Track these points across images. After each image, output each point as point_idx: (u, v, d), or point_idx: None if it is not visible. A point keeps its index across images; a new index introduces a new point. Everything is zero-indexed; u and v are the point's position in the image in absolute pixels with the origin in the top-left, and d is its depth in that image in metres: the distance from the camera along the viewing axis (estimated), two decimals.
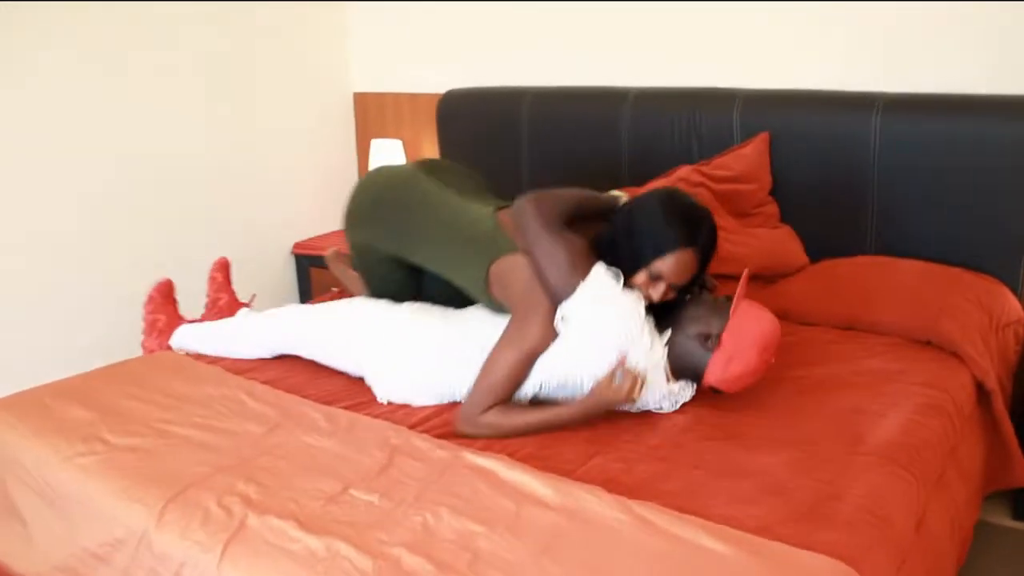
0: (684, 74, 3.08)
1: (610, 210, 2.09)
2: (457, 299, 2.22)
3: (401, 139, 3.78)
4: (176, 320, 2.51)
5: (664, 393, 1.94)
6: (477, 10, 3.53)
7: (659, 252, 1.92)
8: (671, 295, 1.98)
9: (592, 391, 1.86)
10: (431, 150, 3.73)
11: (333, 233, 3.91)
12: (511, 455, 1.75)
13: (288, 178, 3.77)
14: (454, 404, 2.02)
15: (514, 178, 3.36)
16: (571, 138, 3.19)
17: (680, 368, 1.96)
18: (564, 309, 1.89)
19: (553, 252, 1.92)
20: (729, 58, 3.01)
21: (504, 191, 3.32)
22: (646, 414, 1.95)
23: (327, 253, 2.90)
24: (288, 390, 2.10)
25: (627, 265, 1.94)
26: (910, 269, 2.48)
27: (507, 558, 1.40)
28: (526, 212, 2.00)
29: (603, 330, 1.87)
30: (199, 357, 2.35)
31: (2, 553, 1.89)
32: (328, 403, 2.03)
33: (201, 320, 2.56)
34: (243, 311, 2.58)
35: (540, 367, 1.92)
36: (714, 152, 2.87)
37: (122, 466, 1.74)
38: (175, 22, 3.22)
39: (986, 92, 2.55)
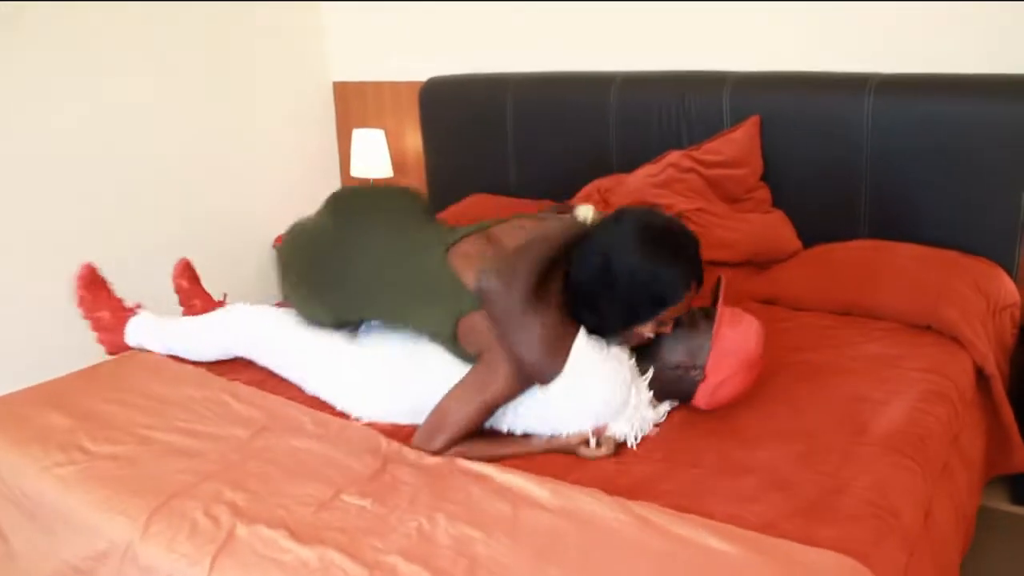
0: (672, 57, 3.03)
1: (581, 237, 1.83)
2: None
3: (383, 128, 3.71)
4: (119, 309, 2.35)
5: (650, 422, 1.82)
6: None
7: (663, 304, 1.74)
8: (667, 328, 1.83)
9: (566, 440, 1.75)
10: (414, 139, 3.67)
11: None
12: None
13: (268, 170, 3.71)
14: None
15: (500, 166, 3.31)
16: (557, 125, 3.14)
17: (664, 394, 1.85)
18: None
19: (530, 341, 1.70)
20: (718, 40, 2.96)
21: (490, 180, 3.32)
22: None
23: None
24: (274, 392, 2.04)
25: (621, 322, 1.77)
26: (906, 253, 2.44)
27: (506, 563, 1.36)
28: (494, 299, 1.73)
29: (585, 399, 1.73)
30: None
31: None
32: (316, 407, 1.97)
33: None
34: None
35: (511, 417, 1.80)
36: (704, 137, 2.83)
37: (103, 475, 1.68)
38: (151, 12, 3.13)
39: (981, 71, 2.51)
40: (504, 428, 1.82)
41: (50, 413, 1.93)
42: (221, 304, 2.50)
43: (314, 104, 3.90)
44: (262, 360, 2.15)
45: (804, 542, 1.39)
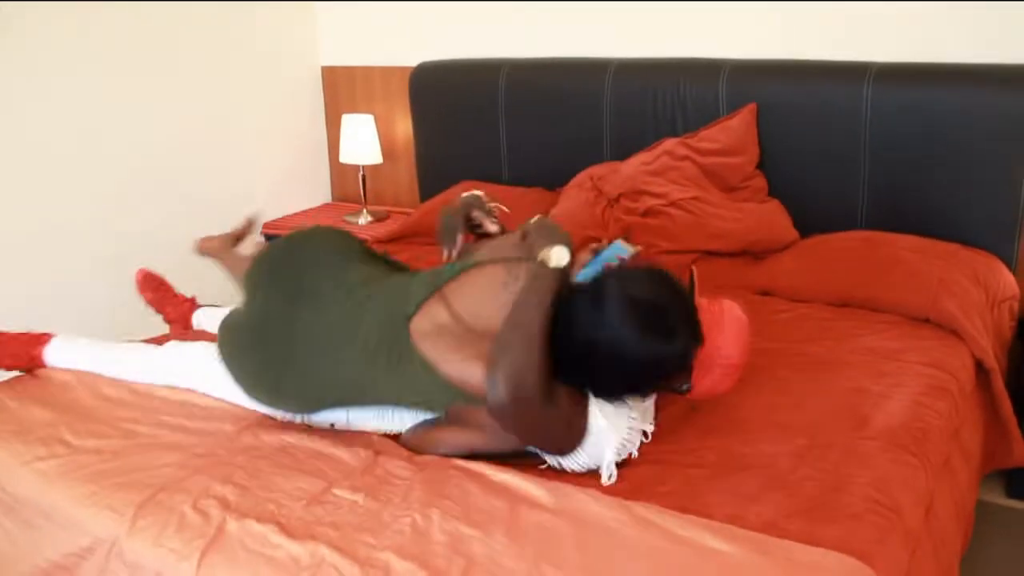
0: (668, 43, 2.99)
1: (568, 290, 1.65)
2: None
3: (373, 114, 3.66)
4: (181, 303, 2.38)
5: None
6: None
7: (669, 377, 1.62)
8: None
9: None
10: (404, 125, 3.62)
11: (303, 212, 3.79)
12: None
13: (256, 157, 3.65)
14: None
15: (492, 153, 3.27)
16: (551, 112, 3.09)
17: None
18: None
19: (553, 431, 1.58)
20: (715, 27, 2.92)
21: (482, 167, 3.27)
22: None
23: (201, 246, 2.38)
24: None
25: (623, 394, 1.64)
26: (905, 244, 2.42)
27: (504, 564, 1.33)
28: (508, 414, 1.55)
29: (598, 446, 1.63)
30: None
31: None
32: None
33: (170, 337, 2.29)
34: (197, 312, 2.40)
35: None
36: (699, 124, 2.80)
37: (87, 470, 1.64)
38: None
39: (982, 60, 2.49)
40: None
41: (30, 406, 1.88)
42: (193, 304, 2.42)
43: (303, 89, 3.83)
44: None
45: (806, 541, 1.36)
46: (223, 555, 1.40)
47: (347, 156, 3.61)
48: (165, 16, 3.18)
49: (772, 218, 2.66)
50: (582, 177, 2.92)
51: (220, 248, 2.31)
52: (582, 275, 1.71)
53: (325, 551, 1.37)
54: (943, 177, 2.48)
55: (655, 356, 1.56)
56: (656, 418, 1.73)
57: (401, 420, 1.76)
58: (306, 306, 1.78)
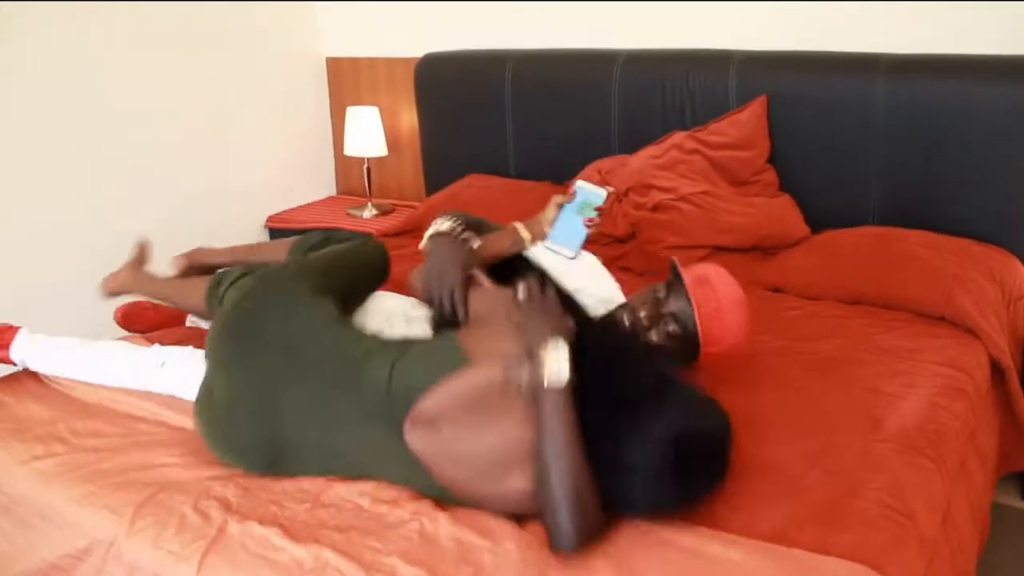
0: (677, 35, 2.95)
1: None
2: None
3: (378, 106, 3.62)
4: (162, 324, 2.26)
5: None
6: None
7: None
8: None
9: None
10: (409, 117, 3.58)
11: (307, 206, 3.76)
12: None
13: (260, 149, 3.62)
14: None
15: (498, 146, 3.24)
16: (558, 104, 3.05)
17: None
18: None
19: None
20: (724, 18, 2.87)
21: (488, 160, 3.24)
22: None
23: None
24: None
25: None
26: (918, 240, 2.37)
27: (512, 575, 1.30)
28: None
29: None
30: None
31: None
32: None
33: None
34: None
35: None
36: (709, 117, 2.75)
37: (85, 469, 1.61)
38: None
39: (996, 52, 2.44)
40: None
41: (28, 403, 1.86)
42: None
43: (307, 81, 3.79)
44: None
45: (817, 550, 1.32)
46: (224, 557, 1.37)
47: (352, 149, 3.57)
48: (168, 9, 3.15)
49: (783, 213, 2.62)
50: (590, 171, 2.88)
51: (129, 281, 2.18)
52: (555, 234, 1.69)
53: (329, 555, 1.35)
54: (957, 172, 2.43)
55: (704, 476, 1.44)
56: None
57: None
58: (279, 377, 1.59)
